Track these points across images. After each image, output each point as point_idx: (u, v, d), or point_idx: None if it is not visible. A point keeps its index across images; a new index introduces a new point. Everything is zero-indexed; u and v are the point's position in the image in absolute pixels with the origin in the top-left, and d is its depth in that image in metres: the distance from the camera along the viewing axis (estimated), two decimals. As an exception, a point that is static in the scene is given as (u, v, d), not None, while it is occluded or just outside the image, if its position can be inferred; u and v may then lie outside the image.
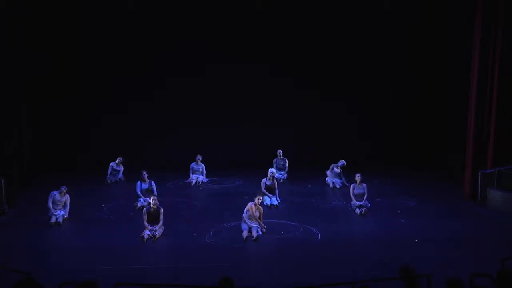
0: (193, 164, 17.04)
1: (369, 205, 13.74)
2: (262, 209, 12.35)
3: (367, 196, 13.83)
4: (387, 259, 10.52)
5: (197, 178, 16.83)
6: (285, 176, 17.15)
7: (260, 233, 11.85)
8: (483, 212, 13.86)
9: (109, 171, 16.88)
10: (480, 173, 14.31)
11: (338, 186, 16.10)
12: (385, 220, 13.12)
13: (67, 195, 13.24)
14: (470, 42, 14.94)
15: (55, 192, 13.13)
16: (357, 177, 13.94)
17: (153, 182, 14.49)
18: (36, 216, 13.12)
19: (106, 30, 18.15)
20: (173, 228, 12.40)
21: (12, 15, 15.08)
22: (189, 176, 16.95)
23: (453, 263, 10.20)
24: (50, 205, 12.95)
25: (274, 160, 17.29)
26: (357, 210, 13.50)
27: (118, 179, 16.89)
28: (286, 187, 16.31)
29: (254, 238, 11.57)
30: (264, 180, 14.74)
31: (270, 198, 14.45)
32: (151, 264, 10.42)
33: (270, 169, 14.97)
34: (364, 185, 13.93)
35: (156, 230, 11.75)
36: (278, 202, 14.37)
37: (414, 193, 15.43)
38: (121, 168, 16.99)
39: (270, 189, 14.62)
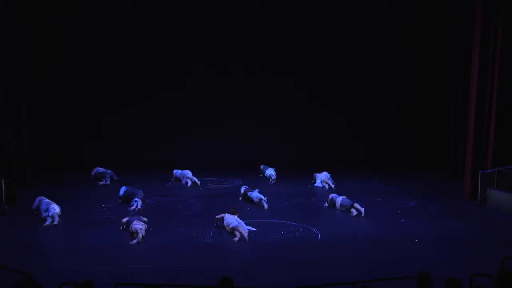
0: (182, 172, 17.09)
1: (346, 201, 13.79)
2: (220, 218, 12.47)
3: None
4: (387, 259, 10.54)
5: (192, 179, 16.72)
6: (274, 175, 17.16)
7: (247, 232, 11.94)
8: (483, 212, 13.86)
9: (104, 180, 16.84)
10: (480, 173, 14.31)
11: (333, 186, 16.02)
12: (385, 220, 13.11)
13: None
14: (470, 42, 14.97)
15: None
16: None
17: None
18: (36, 216, 13.11)
19: (106, 30, 18.14)
20: (173, 228, 12.41)
21: (12, 14, 15.09)
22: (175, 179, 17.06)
23: (453, 263, 10.21)
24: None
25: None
26: (353, 210, 13.53)
27: (113, 179, 16.81)
28: (285, 187, 16.31)
29: (245, 237, 11.62)
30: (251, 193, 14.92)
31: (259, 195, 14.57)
32: (151, 264, 10.42)
33: (242, 187, 15.16)
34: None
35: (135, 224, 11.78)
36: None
37: (414, 193, 15.43)
38: (108, 173, 16.87)
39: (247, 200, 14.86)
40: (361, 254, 10.97)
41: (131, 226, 11.74)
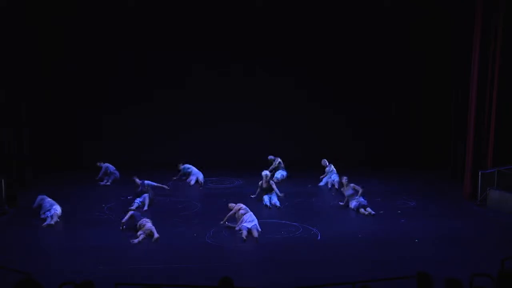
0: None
1: (365, 202, 13.76)
2: (237, 206, 12.45)
3: (361, 192, 13.92)
4: (387, 259, 10.53)
5: (197, 177, 16.79)
6: (284, 175, 17.13)
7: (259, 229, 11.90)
8: (483, 212, 13.86)
9: (105, 180, 16.86)
10: (480, 173, 14.31)
11: (336, 186, 16.06)
12: (385, 220, 13.11)
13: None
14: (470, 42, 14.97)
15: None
16: (344, 180, 14.25)
17: (145, 181, 14.68)
18: (36, 216, 13.10)
19: (106, 30, 18.15)
20: (173, 228, 12.41)
21: (12, 14, 15.09)
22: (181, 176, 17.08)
23: (453, 263, 10.21)
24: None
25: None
26: (362, 210, 13.52)
27: (115, 178, 16.84)
28: (285, 187, 16.30)
29: (256, 237, 11.60)
30: (260, 182, 14.80)
31: (269, 198, 14.48)
32: (151, 264, 10.42)
33: (263, 172, 15.03)
34: (352, 185, 14.07)
35: (145, 224, 11.80)
36: (276, 205, 14.33)
37: (414, 193, 15.43)
38: (115, 175, 16.90)
39: (266, 191, 14.64)
40: (361, 254, 10.97)
41: (144, 225, 11.75)
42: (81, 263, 10.30)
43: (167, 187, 15.15)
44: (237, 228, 12.11)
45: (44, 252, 11.15)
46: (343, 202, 14.22)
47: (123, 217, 12.30)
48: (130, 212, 12.31)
